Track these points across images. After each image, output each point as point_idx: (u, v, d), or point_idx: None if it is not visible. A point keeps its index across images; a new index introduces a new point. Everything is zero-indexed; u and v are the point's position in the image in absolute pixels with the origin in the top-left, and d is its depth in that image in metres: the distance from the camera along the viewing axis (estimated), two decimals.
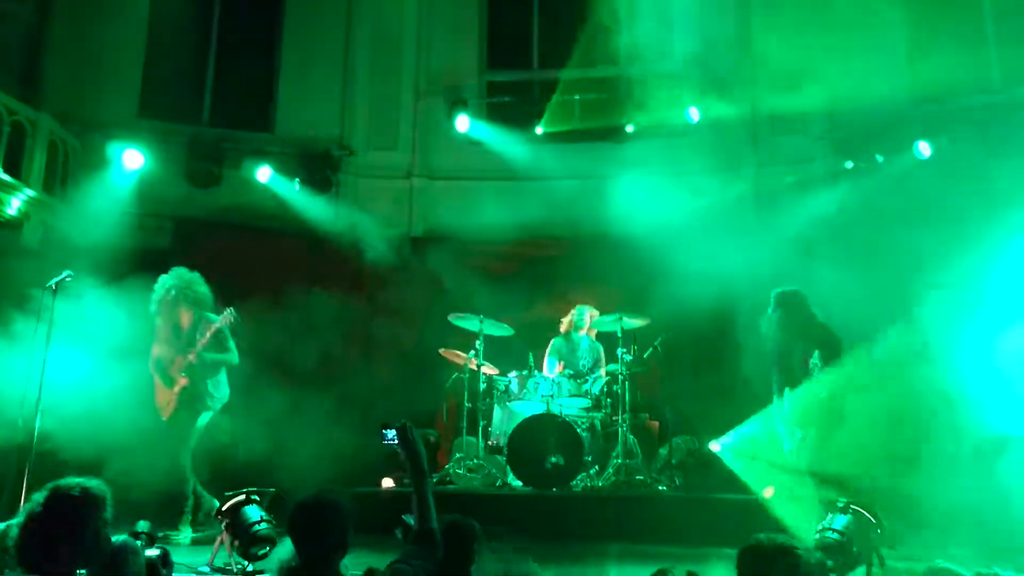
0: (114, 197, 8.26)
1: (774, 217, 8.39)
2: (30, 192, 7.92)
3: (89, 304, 6.24)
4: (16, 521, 2.91)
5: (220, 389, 6.08)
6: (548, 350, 7.71)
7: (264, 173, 8.76)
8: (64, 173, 8.42)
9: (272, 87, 9.75)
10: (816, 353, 5.54)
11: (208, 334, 5.87)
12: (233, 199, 9.01)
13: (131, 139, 8.41)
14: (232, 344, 6.06)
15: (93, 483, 2.50)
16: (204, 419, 6.00)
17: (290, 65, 9.77)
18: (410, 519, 2.96)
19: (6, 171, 7.68)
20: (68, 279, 5.51)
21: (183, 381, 5.91)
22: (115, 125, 8.68)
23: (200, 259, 8.36)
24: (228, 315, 5.94)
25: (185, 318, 6.03)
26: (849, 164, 8.35)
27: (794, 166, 8.74)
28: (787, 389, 5.73)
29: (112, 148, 8.34)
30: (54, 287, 5.42)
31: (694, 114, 8.80)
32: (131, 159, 8.32)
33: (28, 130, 7.97)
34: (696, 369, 8.22)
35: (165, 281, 6.05)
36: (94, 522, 2.44)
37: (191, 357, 5.86)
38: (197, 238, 8.59)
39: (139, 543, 2.97)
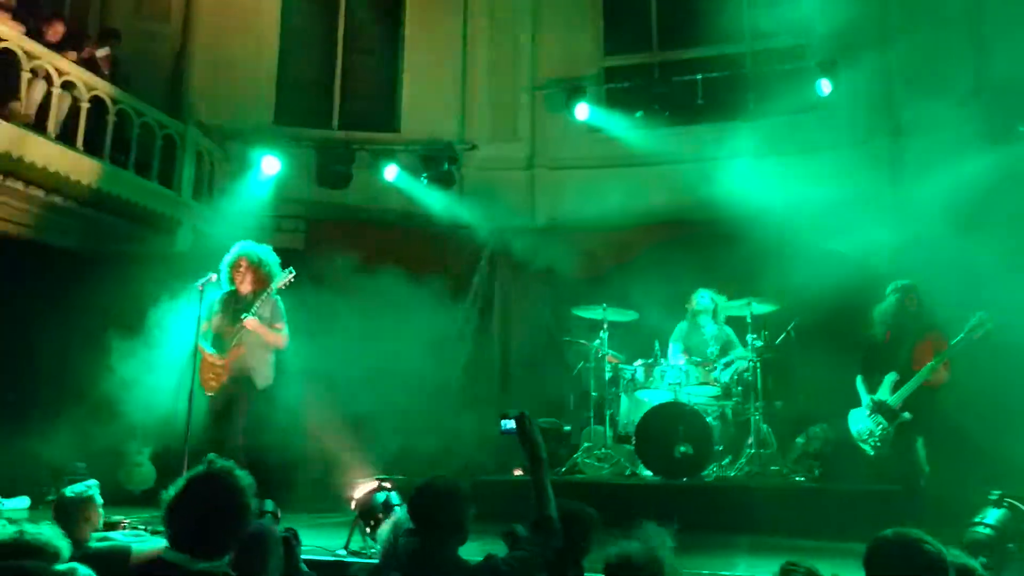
0: (254, 201, 8.76)
1: (913, 190, 7.85)
2: (181, 200, 8.53)
3: None
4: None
5: (270, 367, 5.84)
6: (673, 337, 7.56)
7: (391, 172, 9.04)
8: (210, 180, 9.02)
9: (395, 87, 10.05)
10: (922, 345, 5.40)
11: (266, 309, 5.71)
12: (362, 198, 9.38)
13: (268, 145, 8.89)
14: (286, 324, 5.85)
15: (228, 466, 2.56)
16: (257, 396, 5.76)
17: (412, 64, 10.03)
18: (519, 528, 2.96)
19: (160, 182, 8.30)
20: (213, 279, 5.89)
21: (237, 351, 5.69)
22: (253, 133, 9.20)
23: (332, 257, 8.85)
24: (286, 275, 5.79)
25: (245, 287, 5.84)
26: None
27: (936, 135, 8.12)
28: (889, 380, 5.51)
29: (251, 155, 8.85)
30: (201, 287, 5.81)
31: (825, 87, 8.34)
32: (268, 164, 8.79)
33: (177, 142, 8.58)
34: (833, 354, 7.83)
35: (234, 251, 5.92)
36: (243, 504, 2.47)
37: (250, 327, 5.64)
38: (329, 237, 8.97)
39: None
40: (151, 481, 7.57)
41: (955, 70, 8.10)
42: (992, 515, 3.97)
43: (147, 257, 7.74)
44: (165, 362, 7.06)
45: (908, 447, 5.49)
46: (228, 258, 5.89)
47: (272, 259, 5.93)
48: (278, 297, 5.86)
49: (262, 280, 5.84)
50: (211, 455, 4.95)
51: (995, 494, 4.10)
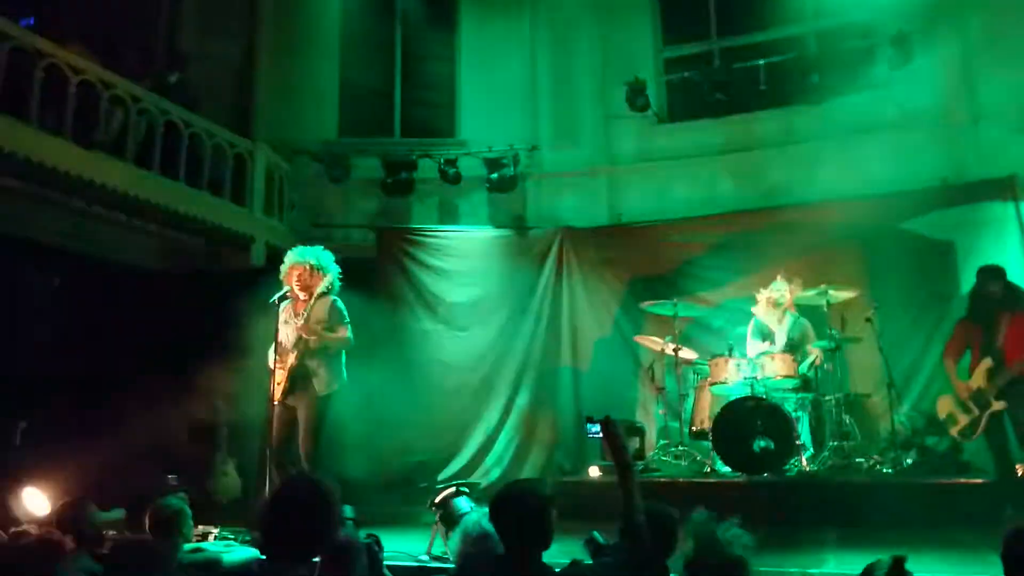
0: (323, 213, 8.95)
1: (994, 170, 7.54)
2: (254, 216, 8.78)
3: None
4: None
5: (332, 372, 5.62)
6: (749, 329, 7.40)
7: (454, 177, 9.11)
8: (280, 196, 9.26)
9: (455, 93, 10.12)
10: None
11: (323, 317, 5.57)
12: (427, 204, 9.49)
13: (333, 158, 9.07)
14: (348, 324, 5.66)
15: (316, 476, 2.61)
16: (321, 403, 5.57)
17: (471, 69, 10.08)
18: (598, 536, 2.93)
19: (232, 199, 8.56)
20: (289, 295, 5.96)
21: (295, 358, 5.53)
22: (319, 146, 9.41)
23: (399, 262, 8.99)
24: (336, 303, 5.62)
25: (305, 295, 5.67)
26: None
27: (1013, 106, 7.77)
28: (982, 366, 5.33)
29: (318, 168, 9.05)
30: (277, 301, 5.87)
31: (894, 64, 8.03)
32: (335, 176, 8.97)
33: (247, 160, 8.84)
34: (917, 339, 7.57)
35: (290, 256, 5.77)
36: (333, 511, 2.54)
37: (303, 334, 5.50)
38: (398, 244, 9.10)
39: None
40: (238, 491, 7.79)
41: None
42: None
43: (225, 274, 7.98)
44: (247, 375, 7.26)
45: (1001, 436, 5.27)
46: (283, 266, 5.79)
47: (325, 260, 5.77)
48: (336, 298, 5.71)
49: (317, 282, 5.69)
50: (296, 464, 5.06)
51: None
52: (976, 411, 5.33)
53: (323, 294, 5.66)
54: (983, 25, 8.13)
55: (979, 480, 5.78)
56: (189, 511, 3.87)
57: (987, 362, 5.30)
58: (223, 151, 8.56)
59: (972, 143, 7.95)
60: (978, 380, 5.33)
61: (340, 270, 5.80)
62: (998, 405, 5.23)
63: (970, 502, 5.44)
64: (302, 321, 5.54)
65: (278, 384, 5.54)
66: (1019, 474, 5.30)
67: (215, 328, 7.34)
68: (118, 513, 6.60)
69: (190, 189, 8.01)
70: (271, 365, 5.63)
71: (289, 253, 5.79)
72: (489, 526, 2.99)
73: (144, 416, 7.73)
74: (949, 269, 7.37)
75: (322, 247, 5.84)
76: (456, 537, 3.03)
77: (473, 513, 4.12)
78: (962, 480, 5.92)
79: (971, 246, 7.32)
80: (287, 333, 5.63)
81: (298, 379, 5.55)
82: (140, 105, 7.61)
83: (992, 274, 5.42)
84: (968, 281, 5.76)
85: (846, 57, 8.48)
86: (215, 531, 5.28)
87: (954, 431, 5.54)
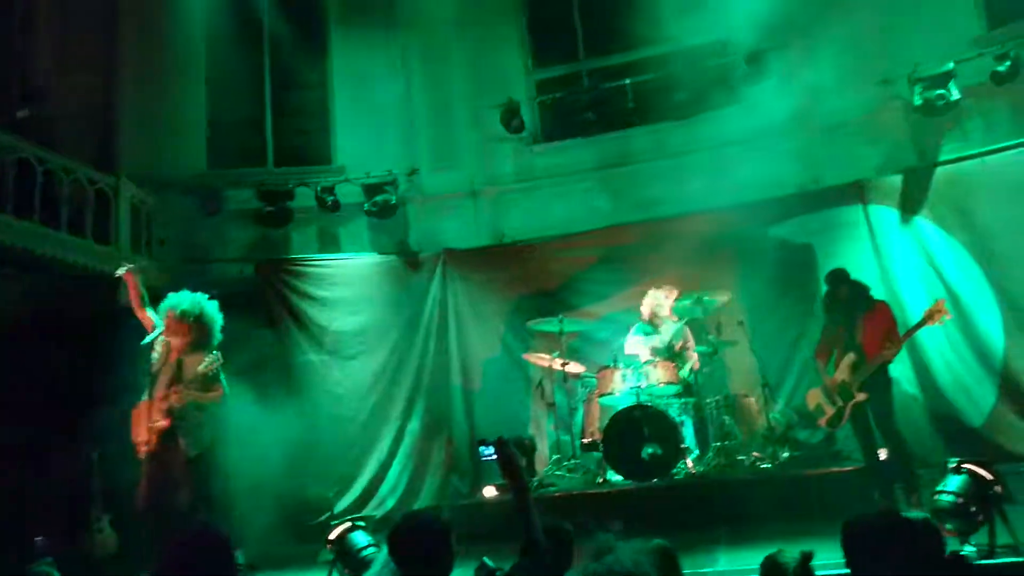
0: (195, 248, 8.61)
1: (846, 176, 8.13)
2: (120, 254, 8.33)
3: None
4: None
5: (205, 428, 5.45)
6: (631, 340, 7.62)
7: (332, 205, 8.96)
8: (148, 231, 8.83)
9: (329, 119, 9.98)
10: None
11: (198, 372, 5.37)
12: (304, 234, 9.30)
13: (204, 190, 8.75)
14: (223, 383, 5.51)
15: (208, 526, 2.51)
16: (195, 461, 5.37)
17: (344, 96, 9.95)
18: (488, 562, 2.94)
19: (95, 239, 8.11)
20: (163, 336, 5.66)
21: (164, 422, 5.30)
22: (188, 179, 9.05)
23: (280, 294, 8.77)
24: (214, 359, 5.41)
25: (178, 343, 5.47)
26: None
27: (856, 119, 8.42)
28: (846, 360, 5.73)
29: (188, 201, 8.70)
30: (152, 344, 5.59)
31: (751, 80, 8.52)
32: (206, 209, 8.65)
33: (110, 196, 8.40)
34: (787, 339, 8.01)
35: (172, 300, 5.54)
36: (227, 560, 2.42)
37: (175, 396, 5.31)
38: (275, 276, 8.87)
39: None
40: (114, 547, 7.33)
41: (865, 56, 8.41)
42: (953, 482, 4.08)
43: (91, 316, 7.53)
44: (117, 423, 6.87)
45: (866, 425, 5.65)
46: (163, 307, 5.53)
47: (210, 314, 5.55)
48: (214, 353, 5.46)
49: (197, 336, 5.48)
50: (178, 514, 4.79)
51: (953, 461, 4.21)
52: (841, 402, 5.69)
53: (198, 348, 5.43)
54: (829, 43, 8.75)
55: (850, 468, 6.15)
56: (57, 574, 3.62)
57: (851, 356, 5.69)
58: (83, 188, 8.10)
59: (826, 152, 8.50)
60: (843, 374, 5.70)
61: (221, 322, 5.56)
62: (860, 396, 5.60)
63: (844, 489, 5.78)
64: (172, 374, 5.32)
65: (151, 434, 5.27)
66: (881, 458, 5.68)
67: (81, 374, 6.94)
68: None
69: (46, 229, 7.52)
70: (143, 413, 5.37)
71: (170, 297, 5.54)
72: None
73: (6, 474, 7.20)
74: (811, 271, 7.84)
75: (205, 296, 5.61)
76: (377, 568, 2.97)
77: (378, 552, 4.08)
78: (835, 469, 6.28)
79: (829, 248, 7.84)
80: (161, 380, 5.38)
81: (165, 434, 5.29)
82: None
83: (837, 278, 5.82)
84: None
85: (708, 74, 8.93)
86: None
87: (822, 421, 5.91)
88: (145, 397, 5.39)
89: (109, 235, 8.32)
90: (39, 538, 6.62)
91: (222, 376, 5.50)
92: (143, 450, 5.29)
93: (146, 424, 5.28)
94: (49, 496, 6.96)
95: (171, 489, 5.27)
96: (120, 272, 5.69)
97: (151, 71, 9.45)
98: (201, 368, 5.36)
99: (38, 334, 7.51)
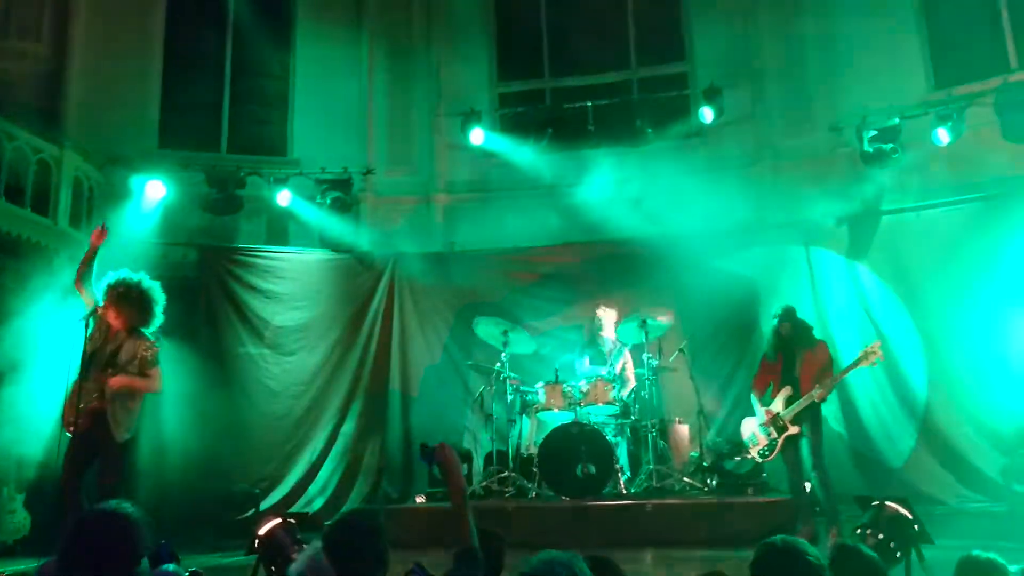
0: (139, 228, 8.37)
1: (785, 215, 8.40)
2: (58, 227, 8.06)
3: None
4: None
5: (132, 416, 5.20)
6: (573, 356, 7.71)
7: (284, 197, 8.82)
8: (89, 207, 8.56)
9: (288, 111, 9.87)
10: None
11: (136, 355, 5.15)
12: (255, 224, 9.15)
13: (152, 170, 8.53)
14: (159, 371, 5.27)
15: (118, 505, 2.44)
16: (120, 447, 5.14)
17: (304, 89, 9.87)
18: (421, 567, 2.93)
19: (34, 209, 7.83)
20: (100, 312, 5.49)
21: (96, 404, 5.05)
22: (137, 157, 8.79)
23: (223, 283, 8.60)
24: (153, 343, 5.21)
25: (118, 323, 5.21)
26: None
27: (804, 161, 8.75)
28: (782, 394, 5.89)
29: (134, 180, 8.47)
30: (86, 320, 5.39)
31: (707, 114, 8.76)
32: (153, 190, 8.44)
33: (52, 167, 8.12)
34: (726, 369, 8.21)
35: (116, 278, 5.25)
36: (134, 543, 2.35)
37: (111, 378, 5.07)
38: (220, 264, 8.70)
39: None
40: (26, 529, 7.06)
41: (815, 102, 8.74)
42: (874, 519, 4.22)
43: (23, 289, 7.25)
44: (39, 401, 6.63)
45: (796, 457, 5.82)
46: (106, 284, 5.23)
47: (156, 297, 5.30)
48: (153, 337, 5.26)
49: (137, 317, 5.22)
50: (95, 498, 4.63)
51: (869, 499, 4.37)
52: (776, 434, 5.85)
53: (140, 331, 5.23)
54: (779, 85, 9.09)
55: (775, 499, 6.33)
56: None
57: (787, 390, 5.86)
58: (25, 155, 7.82)
59: (773, 191, 8.78)
60: (778, 406, 5.87)
61: (163, 303, 5.35)
62: (793, 429, 5.78)
63: (769, 518, 5.92)
64: (111, 357, 5.11)
65: (75, 414, 5.01)
66: (807, 490, 5.86)
67: (9, 346, 6.70)
68: None
69: None
70: (71, 389, 5.11)
71: (112, 274, 5.27)
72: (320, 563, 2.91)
73: None
74: (752, 304, 8.07)
75: (147, 276, 5.36)
76: (299, 566, 2.92)
77: (305, 549, 3.98)
78: (761, 500, 6.45)
79: (771, 284, 8.08)
80: (96, 360, 5.13)
81: (96, 416, 5.05)
82: None
83: (784, 316, 6.02)
84: (768, 315, 6.33)
85: (665, 105, 9.16)
86: (4, 574, 4.77)
87: (753, 451, 6.06)
88: (76, 377, 5.11)
89: (48, 207, 8.04)
90: None
91: (160, 362, 5.30)
92: (70, 430, 5.05)
93: (75, 404, 5.03)
94: None
95: (98, 471, 5.07)
96: (95, 229, 5.37)
97: (105, 42, 9.21)
98: (140, 352, 5.17)
99: None
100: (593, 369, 7.38)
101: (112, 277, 5.28)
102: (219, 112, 9.73)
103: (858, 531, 4.25)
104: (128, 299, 5.22)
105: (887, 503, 4.27)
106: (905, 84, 8.48)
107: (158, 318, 5.33)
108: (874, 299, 8.01)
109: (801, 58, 9.03)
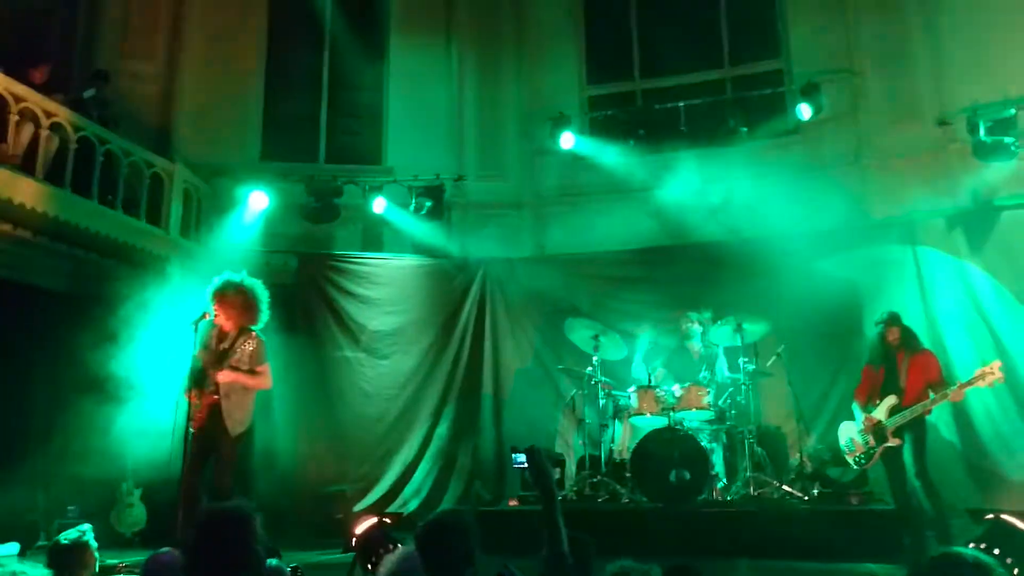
0: (242, 237, 8.76)
1: (895, 214, 8.01)
2: (169, 237, 8.52)
3: None
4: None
5: (246, 411, 5.47)
6: (664, 361, 7.59)
7: (379, 204, 9.05)
8: (198, 217, 9.03)
9: (382, 121, 10.13)
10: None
11: (246, 352, 5.41)
12: (351, 232, 9.42)
13: (255, 181, 8.91)
14: (268, 367, 5.56)
15: (240, 504, 2.56)
16: (236, 441, 5.42)
17: (398, 99, 10.11)
18: (512, 568, 2.93)
19: (148, 220, 8.30)
20: (207, 317, 5.75)
21: (211, 398, 5.35)
22: (240, 169, 9.22)
23: (321, 289, 8.88)
24: (260, 339, 5.50)
25: (229, 324, 5.49)
26: None
27: (908, 157, 8.33)
28: (886, 402, 5.64)
29: (238, 191, 8.86)
30: (195, 325, 5.66)
31: (804, 111, 8.48)
32: (256, 200, 8.80)
33: (165, 180, 8.60)
34: (826, 375, 7.92)
35: (221, 281, 5.53)
36: (245, 540, 2.47)
37: (222, 374, 5.35)
38: (318, 271, 8.99)
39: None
40: (143, 522, 7.47)
41: (920, 96, 8.33)
42: (988, 533, 3.98)
43: (138, 296, 7.69)
44: (157, 401, 7.02)
45: (898, 468, 5.55)
46: (211, 288, 5.51)
47: (260, 294, 5.57)
48: (262, 336, 5.55)
49: (247, 316, 5.49)
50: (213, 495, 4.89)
51: (984, 511, 4.13)
52: (873, 442, 5.60)
53: (248, 330, 5.49)
54: (881, 80, 8.70)
55: (880, 509, 6.05)
56: (95, 544, 3.68)
57: (891, 399, 5.60)
58: (140, 170, 8.30)
59: (877, 188, 8.42)
60: (881, 414, 5.61)
61: (267, 299, 5.61)
62: (894, 441, 5.52)
63: (873, 531, 5.68)
64: (223, 355, 5.40)
65: (195, 413, 5.33)
66: (912, 500, 5.57)
67: (126, 351, 7.10)
68: (13, 548, 6.28)
69: (102, 208, 7.72)
70: (188, 391, 5.42)
71: (222, 276, 5.55)
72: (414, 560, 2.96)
73: (48, 442, 7.38)
74: (854, 307, 7.75)
75: (258, 280, 5.65)
76: (390, 567, 2.99)
77: (399, 548, 4.06)
78: (865, 509, 6.17)
79: (874, 286, 7.74)
80: (206, 364, 5.44)
81: (212, 410, 5.35)
82: (54, 120, 7.32)
83: (890, 322, 5.75)
84: (871, 319, 6.07)
85: (760, 103, 8.92)
86: (123, 564, 5.04)
87: (850, 457, 5.82)
88: (189, 375, 5.43)
89: (160, 218, 8.51)
90: (71, 507, 6.77)
91: (269, 358, 5.56)
92: (194, 426, 5.35)
93: (196, 400, 5.37)
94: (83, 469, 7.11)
95: (214, 467, 5.36)
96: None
97: (212, 62, 9.71)
98: (248, 349, 5.44)
99: (88, 310, 7.70)
100: (685, 384, 7.17)
101: (216, 281, 5.54)
102: (317, 124, 10.10)
103: (971, 545, 4.02)
104: (234, 299, 5.47)
105: (1004, 516, 4.02)
106: (1018, 74, 7.97)
107: (264, 314, 5.57)
108: (989, 302, 7.56)
109: (904, 50, 8.63)
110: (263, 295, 5.60)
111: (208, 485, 5.32)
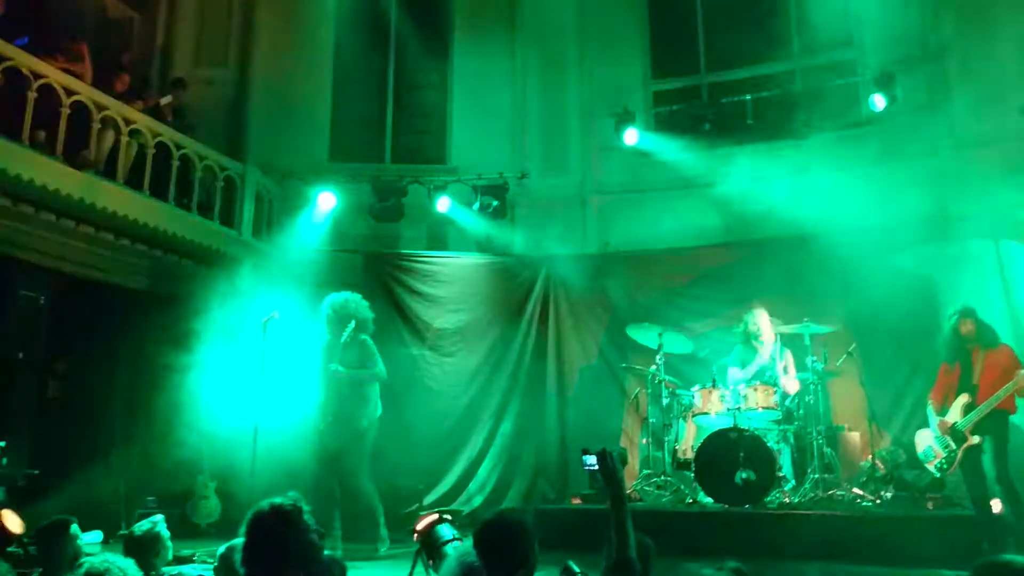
0: (311, 237, 8.98)
1: (975, 208, 7.65)
2: (242, 238, 8.79)
3: (295, 336, 6.91)
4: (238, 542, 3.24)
5: (367, 406, 6.57)
6: (730, 360, 7.45)
7: (443, 203, 9.13)
8: (269, 219, 9.28)
9: (446, 121, 10.23)
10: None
11: (353, 349, 6.53)
12: (417, 231, 9.55)
13: (323, 182, 9.11)
14: (378, 360, 6.64)
15: (288, 499, 2.65)
16: (357, 434, 6.51)
17: (462, 98, 10.18)
18: (573, 565, 2.92)
19: (221, 222, 8.58)
20: (276, 316, 6.05)
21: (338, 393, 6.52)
22: (309, 171, 9.44)
23: (388, 288, 9.02)
24: (368, 341, 6.69)
25: (337, 335, 6.56)
26: None
27: (991, 146, 7.94)
28: (959, 402, 5.44)
29: (308, 192, 9.08)
30: (264, 324, 5.91)
31: (878, 101, 8.18)
32: (324, 201, 9.00)
33: (237, 183, 8.87)
34: (901, 374, 7.65)
35: (329, 301, 6.71)
36: (296, 534, 2.57)
37: (339, 374, 6.45)
38: (385, 269, 9.14)
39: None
40: (216, 514, 7.73)
41: (1005, 81, 7.96)
42: None
43: (211, 295, 7.96)
44: (231, 396, 7.25)
45: (976, 471, 5.33)
46: (326, 305, 6.67)
47: (354, 304, 6.70)
48: (367, 337, 6.65)
49: (359, 328, 6.62)
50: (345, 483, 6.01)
51: None
52: (953, 445, 5.39)
53: (358, 336, 6.57)
54: (962, 65, 8.33)
55: (958, 514, 5.83)
56: (167, 533, 3.85)
57: (964, 397, 5.39)
58: (213, 173, 8.59)
59: (954, 181, 8.06)
60: (955, 415, 5.41)
61: (372, 315, 6.90)
62: (973, 440, 5.30)
63: (949, 537, 5.47)
64: (335, 366, 6.41)
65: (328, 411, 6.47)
66: (994, 510, 5.34)
67: (201, 348, 7.37)
68: (97, 536, 6.58)
69: (179, 210, 8.02)
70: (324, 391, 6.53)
71: (336, 296, 6.76)
72: (474, 557, 3.00)
73: (129, 436, 7.72)
74: (931, 304, 7.45)
75: (356, 294, 6.87)
76: (451, 565, 3.04)
77: (459, 545, 4.11)
78: (941, 514, 5.96)
79: (953, 282, 7.42)
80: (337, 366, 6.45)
81: (340, 416, 6.44)
82: (133, 126, 7.64)
83: (963, 314, 5.52)
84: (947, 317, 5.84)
85: (831, 94, 8.64)
86: (196, 554, 5.24)
87: (931, 464, 5.60)
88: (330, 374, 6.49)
89: (233, 219, 8.79)
90: (150, 497, 7.06)
91: (377, 355, 6.64)
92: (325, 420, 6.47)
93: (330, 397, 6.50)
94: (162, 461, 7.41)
95: (346, 458, 6.42)
96: None
97: (282, 67, 9.96)
98: (360, 352, 6.56)
99: (166, 308, 8.02)
100: (751, 383, 7.03)
101: (333, 298, 6.74)
102: (383, 125, 10.27)
103: None
104: (337, 315, 6.60)
105: None
106: None
107: (370, 327, 6.81)
108: None
109: (987, 35, 8.25)
110: (356, 304, 6.80)
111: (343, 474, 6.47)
